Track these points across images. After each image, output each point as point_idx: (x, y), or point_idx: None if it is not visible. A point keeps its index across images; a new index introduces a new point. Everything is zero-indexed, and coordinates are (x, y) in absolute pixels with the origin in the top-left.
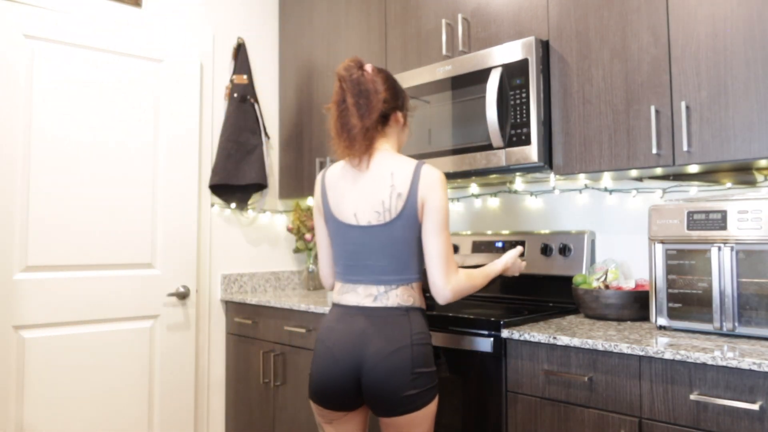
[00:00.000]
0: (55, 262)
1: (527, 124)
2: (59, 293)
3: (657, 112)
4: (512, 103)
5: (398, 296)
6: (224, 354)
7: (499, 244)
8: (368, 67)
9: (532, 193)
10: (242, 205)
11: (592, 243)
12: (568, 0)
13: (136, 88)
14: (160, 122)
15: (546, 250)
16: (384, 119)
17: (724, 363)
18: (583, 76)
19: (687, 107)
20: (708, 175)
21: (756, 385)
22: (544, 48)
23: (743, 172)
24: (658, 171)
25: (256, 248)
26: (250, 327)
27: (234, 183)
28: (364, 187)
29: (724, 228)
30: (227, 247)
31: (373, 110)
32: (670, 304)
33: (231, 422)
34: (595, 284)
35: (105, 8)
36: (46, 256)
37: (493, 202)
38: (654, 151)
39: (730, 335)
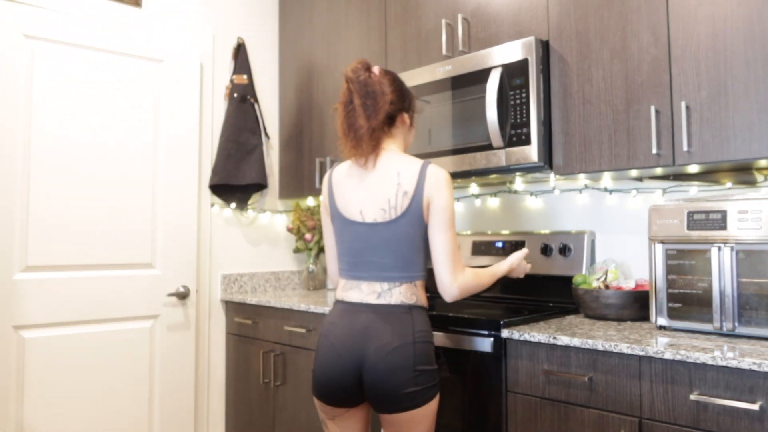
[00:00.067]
0: (55, 262)
1: (527, 124)
2: (59, 293)
3: (657, 112)
4: (512, 103)
5: (401, 294)
6: (224, 354)
7: (499, 244)
8: (376, 69)
9: (532, 193)
10: (242, 205)
11: (592, 243)
12: (568, 0)
13: (136, 88)
14: (160, 122)
15: (546, 250)
16: (390, 120)
17: (724, 363)
18: (583, 76)
19: (687, 107)
20: (708, 175)
21: (756, 385)
22: (544, 48)
23: (743, 172)
24: (658, 171)
25: (256, 248)
26: (250, 327)
27: (234, 183)
28: (371, 186)
29: (724, 228)
30: (227, 247)
31: (379, 111)
32: (670, 304)
33: (231, 422)
34: (595, 284)
35: (105, 8)
36: (46, 256)
37: (493, 202)
38: (654, 151)
39: (730, 335)
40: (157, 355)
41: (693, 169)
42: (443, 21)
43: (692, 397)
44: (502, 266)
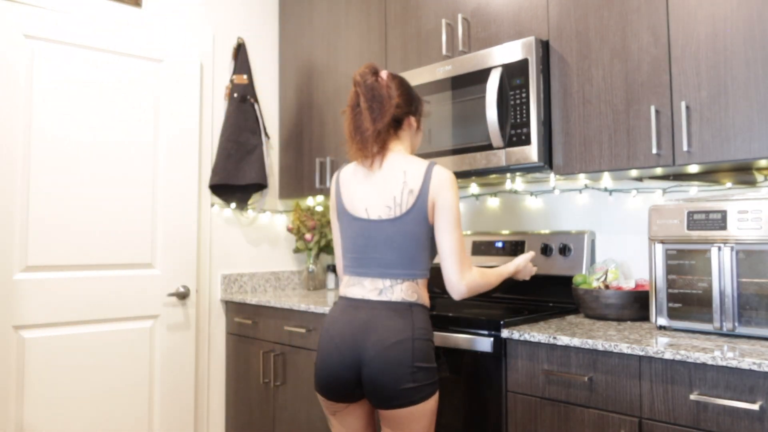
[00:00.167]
0: (55, 262)
1: (527, 124)
2: (59, 293)
3: (657, 112)
4: (512, 103)
5: (403, 291)
6: (224, 354)
7: (499, 244)
8: (383, 74)
9: (532, 193)
10: (242, 205)
11: (592, 243)
12: (568, 0)
13: (136, 88)
14: (160, 122)
15: (546, 250)
16: (397, 123)
17: (724, 363)
18: (583, 76)
19: (687, 107)
20: (708, 175)
21: (756, 385)
22: (544, 48)
23: (743, 172)
24: (658, 171)
25: (256, 248)
26: (250, 327)
27: (234, 183)
28: (377, 184)
29: (724, 228)
30: (227, 247)
31: (385, 114)
32: (670, 304)
33: (231, 422)
34: (595, 284)
35: (105, 8)
36: (46, 256)
37: (493, 202)
38: (654, 151)
39: (730, 335)
40: (157, 355)
41: (693, 169)
42: (443, 21)
43: (692, 397)
44: (508, 267)
